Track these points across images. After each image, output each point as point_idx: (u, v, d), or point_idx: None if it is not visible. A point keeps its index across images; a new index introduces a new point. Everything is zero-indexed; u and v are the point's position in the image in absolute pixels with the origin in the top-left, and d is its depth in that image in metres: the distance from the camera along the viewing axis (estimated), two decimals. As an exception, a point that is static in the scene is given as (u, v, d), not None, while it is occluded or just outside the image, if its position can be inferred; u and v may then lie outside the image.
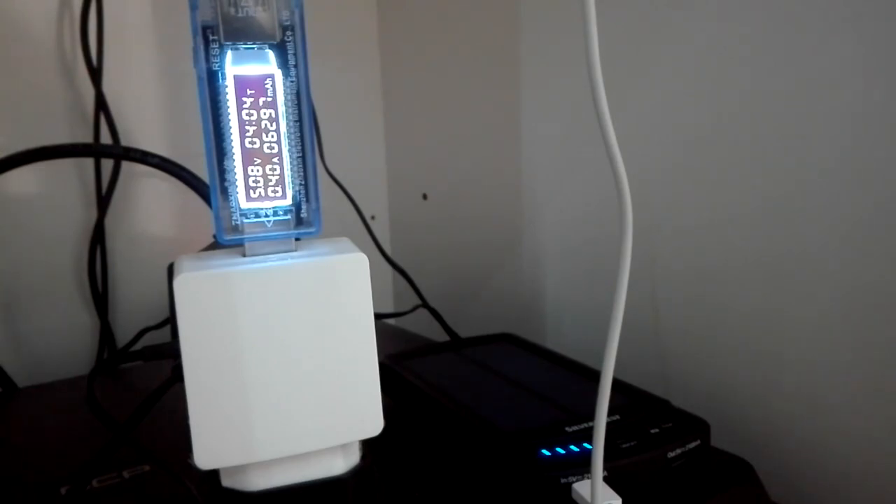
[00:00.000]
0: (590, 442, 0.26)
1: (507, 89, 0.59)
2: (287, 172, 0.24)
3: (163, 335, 0.58)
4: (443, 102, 0.68)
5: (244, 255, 0.24)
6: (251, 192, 0.23)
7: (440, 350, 0.47)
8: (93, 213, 0.59)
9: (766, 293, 0.41)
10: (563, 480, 0.29)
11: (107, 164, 0.60)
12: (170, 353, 0.31)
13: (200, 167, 0.27)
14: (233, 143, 0.23)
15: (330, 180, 0.66)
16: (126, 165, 0.60)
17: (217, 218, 0.23)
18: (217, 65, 0.22)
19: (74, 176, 0.59)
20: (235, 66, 0.23)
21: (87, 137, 0.59)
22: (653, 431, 0.33)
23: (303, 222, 0.24)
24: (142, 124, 0.61)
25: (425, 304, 0.63)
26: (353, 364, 0.24)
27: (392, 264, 0.65)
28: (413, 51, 0.71)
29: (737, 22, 0.40)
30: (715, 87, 0.42)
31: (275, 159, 0.24)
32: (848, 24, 0.35)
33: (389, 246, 0.78)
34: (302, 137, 0.24)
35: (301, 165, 0.24)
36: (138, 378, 0.51)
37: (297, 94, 0.23)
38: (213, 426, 0.23)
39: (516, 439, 0.32)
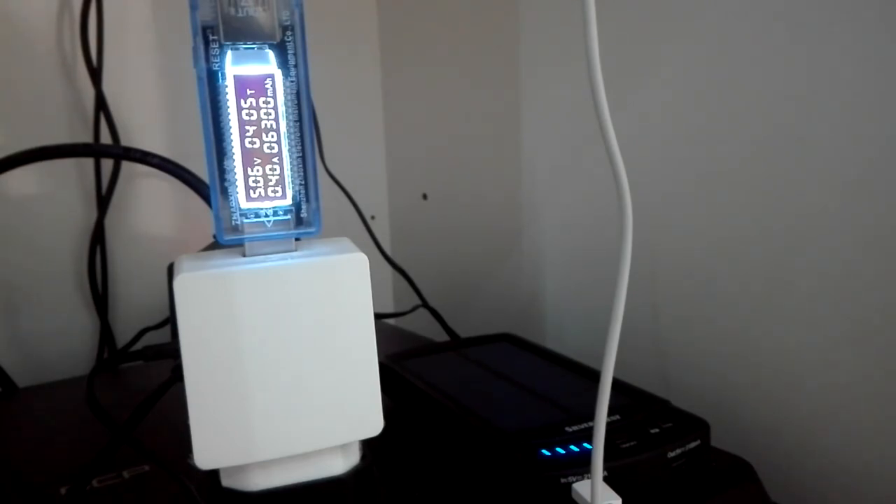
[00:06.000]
0: (590, 442, 0.26)
1: (507, 89, 0.59)
2: (287, 172, 0.24)
3: (163, 335, 0.58)
4: (443, 102, 0.68)
5: (244, 255, 0.24)
6: (251, 192, 0.23)
7: (440, 350, 0.47)
8: (93, 213, 0.59)
9: (767, 294, 0.41)
10: (563, 480, 0.29)
11: (107, 164, 0.60)
12: (170, 353, 0.31)
13: (200, 167, 0.27)
14: (233, 143, 0.23)
15: (330, 180, 0.66)
16: (126, 165, 0.60)
17: (217, 218, 0.23)
18: (217, 65, 0.22)
19: (74, 176, 0.59)
20: (235, 66, 0.23)
21: (87, 137, 0.59)
22: (653, 431, 0.33)
23: (303, 222, 0.24)
24: (142, 124, 0.61)
25: (425, 304, 0.63)
26: (353, 364, 0.24)
27: (392, 264, 0.65)
28: (413, 50, 0.71)
29: (739, 22, 0.40)
30: (716, 88, 0.42)
31: (275, 159, 0.24)
32: (850, 24, 0.35)
33: (389, 246, 0.78)
34: (302, 137, 0.24)
35: (301, 165, 0.24)
36: (138, 378, 0.51)
37: (297, 94, 0.23)
38: (213, 426, 0.23)
39: (516, 439, 0.32)
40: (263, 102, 0.23)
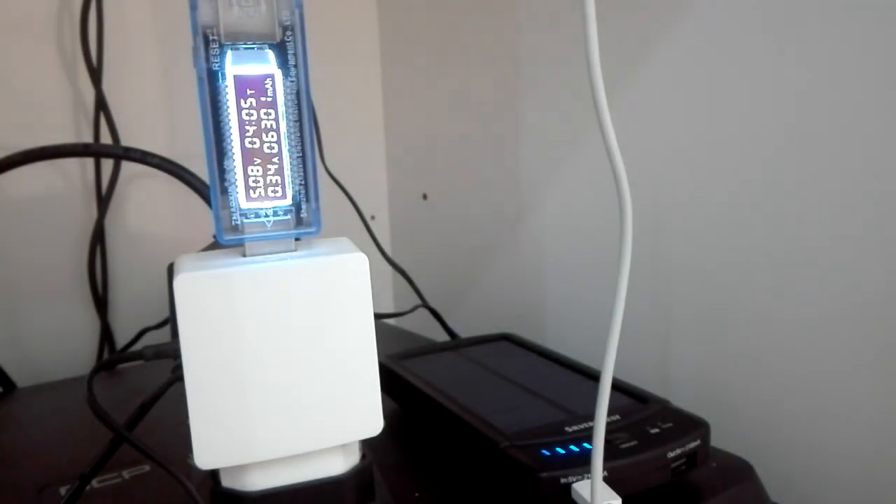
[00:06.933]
0: (590, 442, 0.26)
1: (506, 89, 0.59)
2: (287, 172, 0.24)
3: (163, 335, 0.58)
4: (443, 102, 0.68)
5: (244, 255, 0.24)
6: (251, 192, 0.23)
7: (440, 350, 0.47)
8: (93, 213, 0.59)
9: (767, 293, 0.41)
10: (563, 480, 0.29)
11: (107, 164, 0.60)
12: (170, 353, 0.31)
13: (200, 167, 0.27)
14: (233, 143, 0.23)
15: (330, 180, 0.66)
16: (126, 165, 0.60)
17: (217, 218, 0.23)
18: (217, 65, 0.22)
19: (74, 176, 0.59)
20: (235, 66, 0.23)
21: (87, 137, 0.59)
22: (653, 431, 0.33)
23: (303, 222, 0.24)
24: (142, 124, 0.61)
25: (425, 304, 0.63)
26: (353, 364, 0.24)
27: (392, 264, 0.65)
28: (413, 51, 0.71)
29: (741, 20, 0.40)
30: (717, 86, 0.42)
31: (275, 159, 0.24)
32: (852, 23, 0.35)
33: (389, 246, 0.78)
34: (302, 137, 0.24)
35: (301, 165, 0.24)
36: (138, 378, 0.51)
37: (297, 94, 0.23)
38: (213, 426, 0.23)
39: (516, 439, 0.32)
40: (263, 102, 0.23)
